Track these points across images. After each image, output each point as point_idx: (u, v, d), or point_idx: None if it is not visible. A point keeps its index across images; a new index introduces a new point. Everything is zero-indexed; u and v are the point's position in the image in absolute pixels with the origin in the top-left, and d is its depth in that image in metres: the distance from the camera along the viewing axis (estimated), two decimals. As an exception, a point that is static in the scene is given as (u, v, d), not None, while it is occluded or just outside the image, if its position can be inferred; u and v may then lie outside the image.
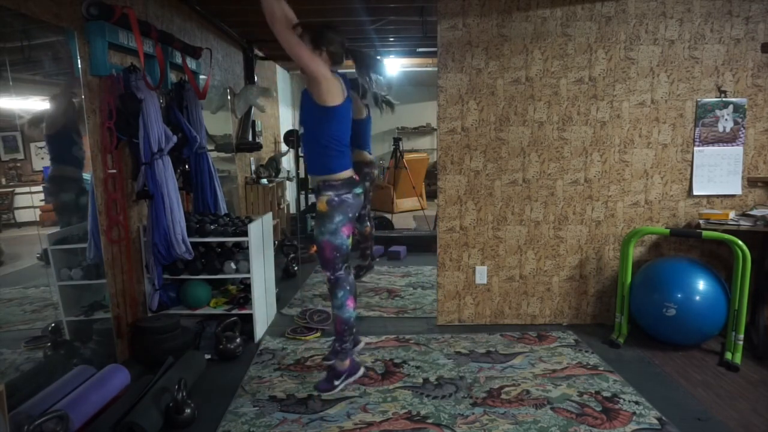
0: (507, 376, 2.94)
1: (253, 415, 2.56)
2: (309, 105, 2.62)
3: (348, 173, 2.67)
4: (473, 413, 2.56)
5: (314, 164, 2.68)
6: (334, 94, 2.55)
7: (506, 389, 2.79)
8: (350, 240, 2.71)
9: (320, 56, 2.55)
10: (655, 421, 2.47)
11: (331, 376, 2.69)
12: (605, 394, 2.73)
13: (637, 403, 2.64)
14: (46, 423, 2.09)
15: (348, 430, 2.43)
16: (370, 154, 4.60)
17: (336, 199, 2.60)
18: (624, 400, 2.67)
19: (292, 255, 5.20)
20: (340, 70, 2.69)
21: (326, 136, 2.60)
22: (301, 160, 7.03)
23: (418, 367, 3.06)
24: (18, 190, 2.92)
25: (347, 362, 2.69)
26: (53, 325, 2.82)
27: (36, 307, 2.89)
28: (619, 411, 2.56)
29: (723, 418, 2.51)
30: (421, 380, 2.90)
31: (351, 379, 2.69)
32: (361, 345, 3.05)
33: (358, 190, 2.71)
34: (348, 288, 2.72)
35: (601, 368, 3.03)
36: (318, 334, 3.59)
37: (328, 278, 2.75)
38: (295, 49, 2.43)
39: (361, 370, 2.72)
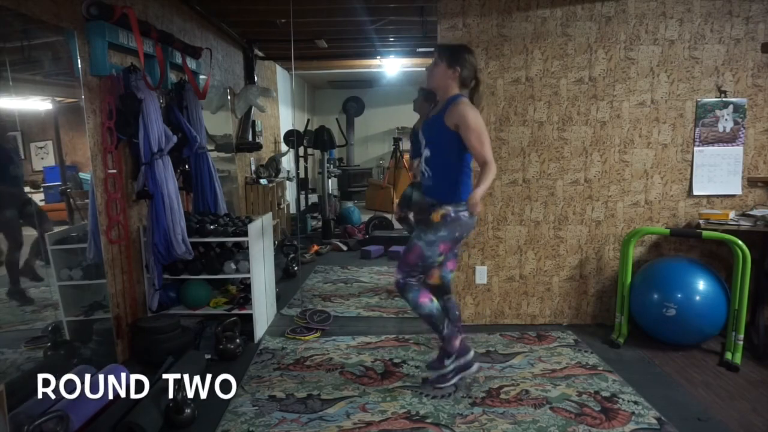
0: (506, 376, 2.94)
1: (253, 415, 2.56)
2: (440, 128, 2.55)
3: None
4: (472, 413, 2.56)
5: (443, 187, 2.59)
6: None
7: (505, 389, 2.79)
8: (441, 257, 2.64)
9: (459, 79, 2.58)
10: (654, 421, 2.47)
11: (441, 355, 2.74)
12: (604, 393, 2.73)
13: (636, 403, 2.64)
14: (46, 423, 2.10)
15: (347, 429, 2.43)
16: None
17: (452, 214, 2.53)
18: (623, 400, 2.67)
19: (292, 255, 5.21)
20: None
21: (464, 158, 2.54)
22: (298, 161, 7.03)
23: (417, 367, 3.06)
24: (18, 190, 2.93)
25: (456, 342, 2.71)
26: (53, 325, 2.82)
27: (36, 307, 2.89)
28: (618, 411, 2.56)
29: (723, 418, 2.51)
30: (420, 380, 2.90)
31: (462, 361, 2.73)
32: (474, 369, 2.83)
33: None
34: (416, 289, 2.64)
35: (601, 368, 3.03)
36: (317, 334, 3.59)
37: (396, 282, 2.66)
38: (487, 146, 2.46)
39: (472, 353, 2.72)
